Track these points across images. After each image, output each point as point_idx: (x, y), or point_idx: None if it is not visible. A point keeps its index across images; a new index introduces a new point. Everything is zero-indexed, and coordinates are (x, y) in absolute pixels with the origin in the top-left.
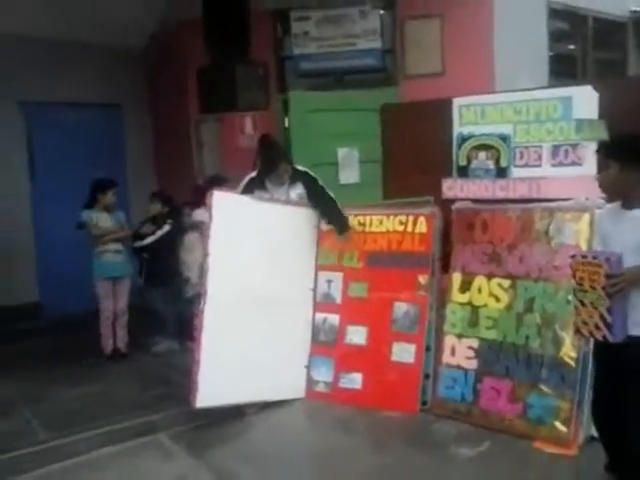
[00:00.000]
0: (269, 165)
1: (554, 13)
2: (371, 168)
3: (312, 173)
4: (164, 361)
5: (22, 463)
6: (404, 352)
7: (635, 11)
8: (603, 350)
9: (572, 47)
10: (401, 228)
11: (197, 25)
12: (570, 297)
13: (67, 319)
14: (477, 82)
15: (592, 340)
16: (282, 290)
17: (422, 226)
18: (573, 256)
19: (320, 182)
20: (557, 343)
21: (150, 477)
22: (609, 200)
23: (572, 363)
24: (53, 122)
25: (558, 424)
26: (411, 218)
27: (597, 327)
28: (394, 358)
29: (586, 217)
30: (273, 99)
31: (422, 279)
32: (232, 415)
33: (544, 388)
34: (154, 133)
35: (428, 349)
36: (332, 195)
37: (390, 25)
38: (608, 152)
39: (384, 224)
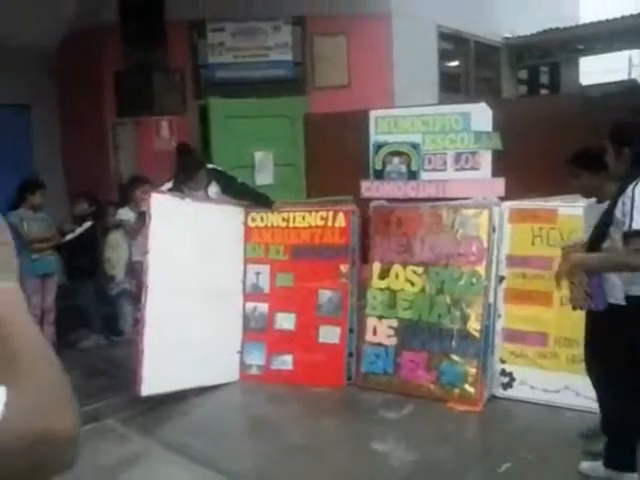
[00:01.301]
0: (188, 172)
1: (442, 36)
2: (283, 171)
3: (219, 167)
4: (94, 355)
5: None
6: (330, 334)
7: (507, 37)
8: (590, 319)
9: (457, 66)
10: (322, 223)
11: (113, 29)
12: (473, 280)
13: None
14: (379, 94)
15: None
16: (215, 283)
17: (341, 221)
18: (562, 247)
19: (228, 173)
20: (464, 319)
21: (108, 456)
22: (586, 198)
23: (477, 335)
24: None
25: (467, 386)
26: (331, 214)
27: (585, 300)
28: (321, 340)
29: (485, 213)
30: (189, 105)
31: (343, 268)
32: (174, 399)
33: (454, 357)
34: (64, 134)
35: (351, 331)
36: (243, 181)
37: (300, 39)
38: (579, 163)
39: (307, 220)
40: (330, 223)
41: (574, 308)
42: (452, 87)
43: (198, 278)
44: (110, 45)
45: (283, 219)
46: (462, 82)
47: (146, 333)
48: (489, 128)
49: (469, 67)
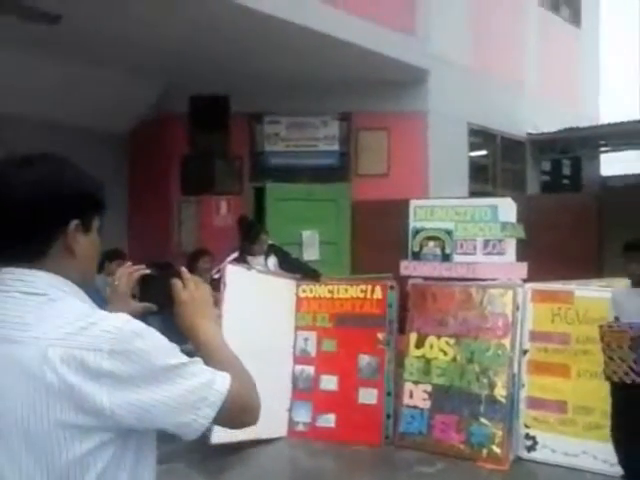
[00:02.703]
0: (252, 237)
1: (472, 132)
2: (328, 248)
3: (277, 244)
4: None
5: None
6: (368, 395)
7: (530, 133)
8: (628, 394)
9: (485, 158)
10: (362, 295)
11: (183, 118)
12: (500, 352)
13: None
14: (415, 183)
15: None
16: (270, 346)
17: (379, 293)
18: (601, 326)
19: (284, 249)
20: (491, 386)
21: None
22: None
23: (503, 400)
24: None
25: (494, 447)
26: (370, 287)
27: (626, 374)
28: (361, 401)
29: (510, 293)
30: (246, 187)
31: (380, 335)
32: (232, 448)
33: (482, 420)
34: (132, 208)
35: (389, 394)
36: (296, 257)
37: (346, 133)
38: None
39: (349, 292)
40: (369, 295)
41: (608, 379)
42: (481, 178)
43: (257, 341)
44: (179, 132)
45: (329, 291)
46: (490, 173)
47: None
48: (513, 219)
49: (496, 159)
